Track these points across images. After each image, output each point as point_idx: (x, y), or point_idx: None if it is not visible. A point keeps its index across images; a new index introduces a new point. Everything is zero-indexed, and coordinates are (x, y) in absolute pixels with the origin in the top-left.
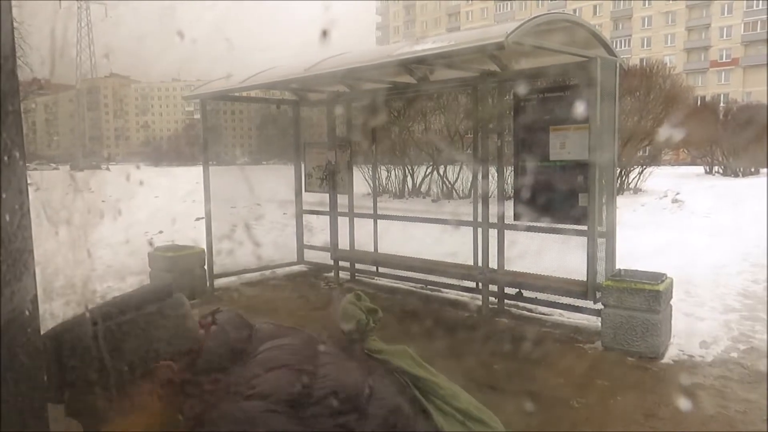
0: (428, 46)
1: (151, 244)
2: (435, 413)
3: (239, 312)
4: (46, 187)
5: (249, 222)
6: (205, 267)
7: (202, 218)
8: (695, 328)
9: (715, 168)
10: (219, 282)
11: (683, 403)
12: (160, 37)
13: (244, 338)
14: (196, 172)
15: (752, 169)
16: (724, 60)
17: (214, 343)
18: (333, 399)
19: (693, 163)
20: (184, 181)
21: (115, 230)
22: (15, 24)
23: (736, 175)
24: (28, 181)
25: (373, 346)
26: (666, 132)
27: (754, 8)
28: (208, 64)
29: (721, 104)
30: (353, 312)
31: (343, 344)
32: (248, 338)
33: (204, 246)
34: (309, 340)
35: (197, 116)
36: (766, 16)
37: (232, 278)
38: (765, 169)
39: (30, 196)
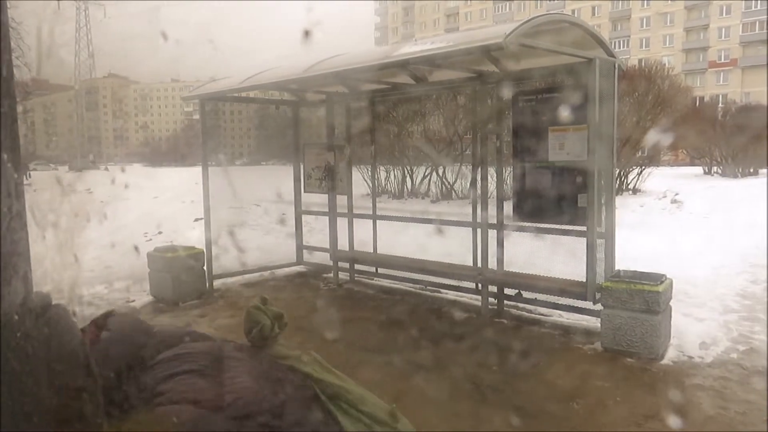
0: (427, 47)
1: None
2: (342, 417)
3: (136, 316)
4: (39, 188)
5: (248, 222)
6: (204, 268)
7: (201, 219)
8: (694, 329)
9: (714, 169)
10: (218, 283)
11: (683, 405)
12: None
13: (140, 344)
14: (195, 172)
15: (751, 170)
16: (722, 61)
17: (105, 352)
18: (238, 403)
19: (692, 164)
20: (183, 182)
21: (113, 231)
22: (13, 24)
23: (735, 176)
24: (25, 181)
25: (280, 352)
26: (662, 134)
27: (753, 9)
28: (195, 63)
29: (720, 105)
30: (257, 317)
31: (251, 350)
32: (145, 344)
33: (203, 247)
34: (212, 346)
35: (196, 117)
36: (764, 17)
37: (231, 279)
38: (764, 170)
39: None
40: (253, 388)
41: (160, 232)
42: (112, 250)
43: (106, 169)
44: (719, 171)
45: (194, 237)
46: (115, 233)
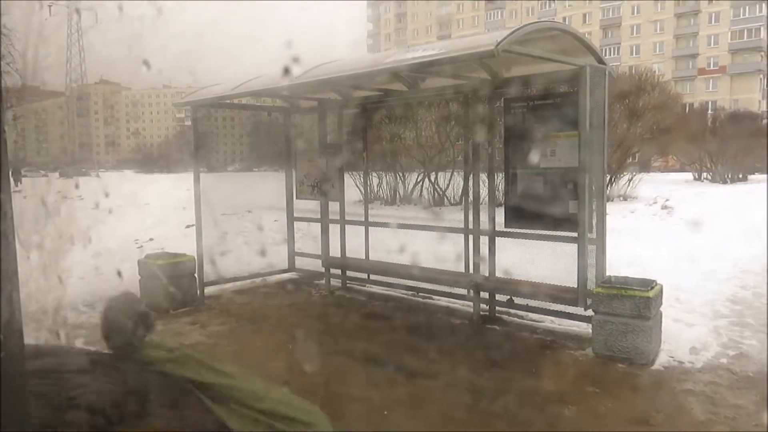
0: (419, 54)
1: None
2: (231, 419)
3: None
4: (29, 195)
5: (240, 229)
6: (196, 275)
7: (193, 226)
8: (685, 334)
9: (704, 175)
10: (209, 290)
11: (674, 410)
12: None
13: None
14: (186, 179)
15: (740, 176)
16: (711, 68)
17: None
18: (97, 415)
19: (682, 170)
20: (174, 189)
21: (103, 238)
22: (5, 30)
23: (725, 182)
24: (17, 187)
25: (149, 357)
26: (652, 140)
27: (741, 17)
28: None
29: (709, 111)
30: (117, 323)
31: (115, 357)
32: None
33: (194, 254)
34: (70, 354)
35: (188, 123)
36: (752, 25)
37: (223, 286)
38: (752, 176)
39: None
40: (111, 400)
41: (150, 239)
42: (103, 258)
43: (98, 175)
44: (709, 177)
45: (185, 244)
46: (106, 241)
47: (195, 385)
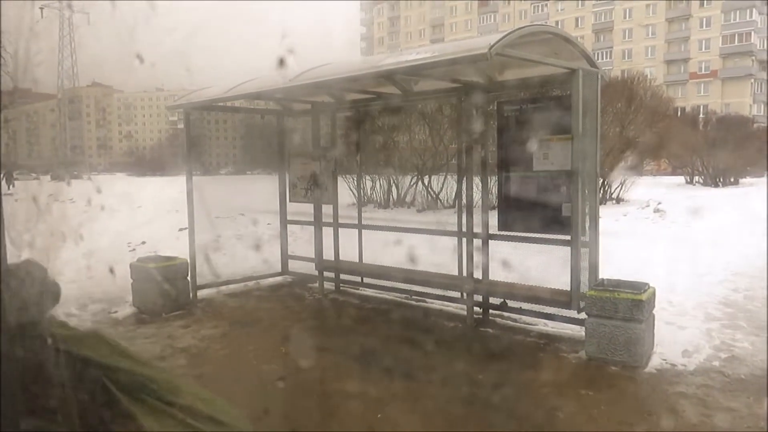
0: (412, 57)
1: (111, 271)
2: (140, 412)
3: None
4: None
5: (233, 232)
6: (188, 278)
7: (186, 229)
8: (677, 337)
9: (696, 178)
10: (202, 293)
11: (666, 413)
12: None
13: None
14: (179, 182)
15: (731, 179)
16: (703, 72)
17: None
18: None
19: (674, 174)
20: (167, 192)
21: (96, 241)
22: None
23: (716, 185)
24: (9, 191)
25: (54, 333)
26: (644, 144)
27: (732, 21)
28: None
29: (701, 115)
30: (18, 294)
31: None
32: None
33: (187, 257)
34: None
35: (181, 126)
36: (743, 30)
37: (216, 289)
38: (744, 180)
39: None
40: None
41: (143, 242)
42: (95, 261)
43: (89, 178)
44: (700, 180)
45: (178, 247)
46: (98, 243)
47: (102, 368)
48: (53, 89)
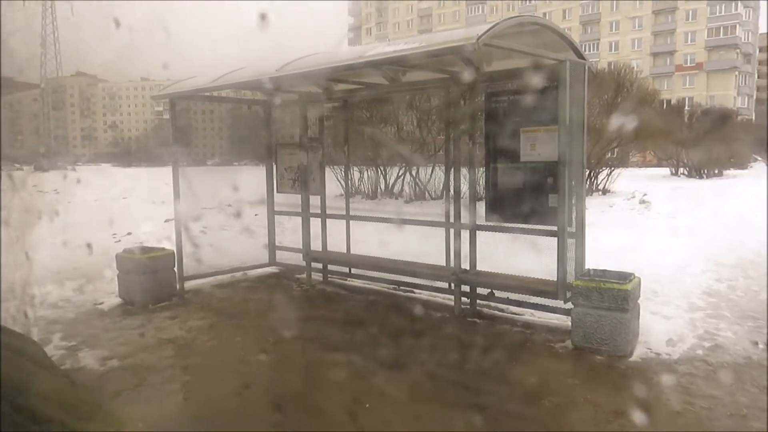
0: (400, 47)
1: (89, 246)
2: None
3: None
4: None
5: (220, 223)
6: (175, 269)
7: (172, 220)
8: (662, 327)
9: (681, 170)
10: (189, 284)
11: (651, 401)
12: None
13: None
14: (165, 173)
15: (716, 171)
16: (688, 64)
17: None
18: None
19: (659, 165)
20: (153, 183)
21: (81, 233)
22: None
23: (701, 177)
24: None
25: None
26: (630, 135)
27: (717, 14)
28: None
29: (686, 107)
30: None
31: None
32: None
33: (173, 248)
34: None
35: (167, 116)
36: (728, 22)
37: (203, 280)
38: (727, 171)
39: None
40: None
41: (129, 233)
42: (79, 252)
43: (74, 169)
44: (685, 172)
45: (165, 238)
46: (83, 235)
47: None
48: (36, 78)
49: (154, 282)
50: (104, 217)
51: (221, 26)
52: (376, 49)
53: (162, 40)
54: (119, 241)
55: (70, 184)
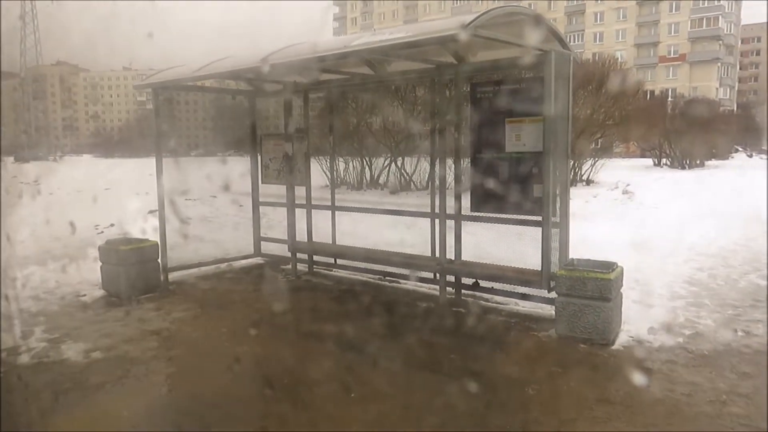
0: (385, 36)
1: (72, 225)
2: None
3: None
4: None
5: (204, 214)
6: (159, 260)
7: (156, 211)
8: (644, 315)
9: (663, 160)
10: (173, 275)
11: (633, 387)
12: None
13: None
14: (149, 163)
15: (698, 162)
16: (672, 56)
17: None
18: None
19: (642, 156)
20: (136, 173)
21: (64, 224)
22: None
23: (683, 167)
24: None
25: None
26: (614, 126)
27: (701, 6)
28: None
29: (669, 98)
30: None
31: None
32: None
33: (157, 239)
34: None
35: (150, 107)
36: (711, 14)
37: (187, 272)
38: (709, 162)
39: None
40: None
41: (112, 225)
42: (61, 244)
43: (55, 160)
44: (668, 163)
45: (148, 229)
46: (65, 226)
47: None
48: (15, 68)
49: (137, 274)
50: (86, 208)
51: (205, 17)
52: (363, 38)
53: (145, 29)
54: (102, 232)
55: (52, 175)
